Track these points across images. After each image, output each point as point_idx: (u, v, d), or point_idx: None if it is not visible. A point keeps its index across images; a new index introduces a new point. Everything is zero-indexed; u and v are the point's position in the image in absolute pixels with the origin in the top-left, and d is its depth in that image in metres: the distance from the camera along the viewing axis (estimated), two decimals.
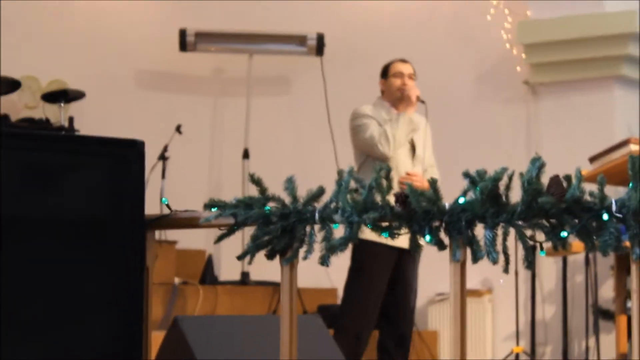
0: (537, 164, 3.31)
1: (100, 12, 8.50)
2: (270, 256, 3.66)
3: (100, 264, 3.70)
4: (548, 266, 7.91)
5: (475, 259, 3.38)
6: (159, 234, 7.10)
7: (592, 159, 5.47)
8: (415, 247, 3.51)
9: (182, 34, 8.34)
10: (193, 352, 4.13)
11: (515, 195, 3.35)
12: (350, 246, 3.56)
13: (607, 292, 7.57)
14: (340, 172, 3.59)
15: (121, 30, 8.55)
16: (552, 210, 3.27)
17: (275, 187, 3.70)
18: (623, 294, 6.27)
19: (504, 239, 3.34)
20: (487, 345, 7.98)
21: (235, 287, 7.79)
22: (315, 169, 7.29)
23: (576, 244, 3.57)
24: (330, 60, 8.34)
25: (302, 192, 3.63)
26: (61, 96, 6.45)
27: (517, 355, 7.40)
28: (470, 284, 6.93)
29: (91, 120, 7.57)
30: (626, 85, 7.95)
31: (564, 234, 3.29)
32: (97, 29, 8.47)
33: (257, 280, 7.85)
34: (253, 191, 3.73)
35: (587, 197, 3.28)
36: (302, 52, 8.43)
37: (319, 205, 3.58)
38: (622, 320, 6.23)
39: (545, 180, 3.33)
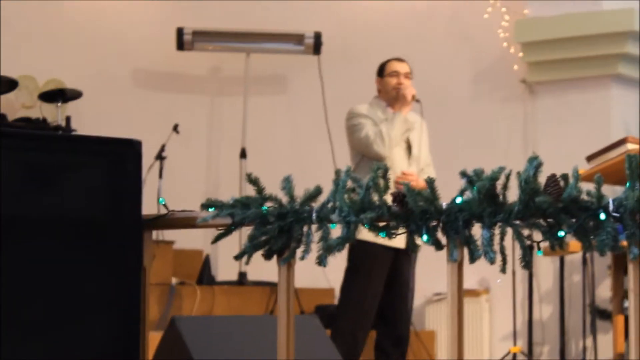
0: (535, 163, 3.31)
1: (96, 11, 8.49)
2: (267, 256, 3.66)
3: (99, 264, 3.70)
4: (545, 266, 7.91)
5: (473, 259, 3.38)
6: (156, 234, 7.08)
7: (590, 158, 5.46)
8: (412, 247, 3.51)
9: (179, 32, 8.33)
10: (190, 353, 4.13)
11: (513, 195, 3.35)
12: (346, 246, 3.56)
13: (604, 291, 7.58)
14: (337, 172, 3.58)
15: (118, 29, 8.55)
16: (549, 209, 3.27)
17: (273, 187, 3.70)
18: (620, 293, 6.27)
19: (501, 239, 3.34)
20: (485, 345, 7.98)
21: (232, 287, 7.78)
22: (312, 168, 7.29)
23: (573, 243, 3.55)
24: (328, 59, 8.34)
25: (299, 192, 3.62)
26: (58, 96, 6.44)
27: (514, 355, 7.40)
28: (468, 283, 6.94)
29: (88, 119, 7.57)
30: (623, 84, 7.95)
31: (561, 233, 3.29)
32: (94, 28, 8.46)
33: (254, 281, 7.85)
34: (250, 191, 3.73)
35: (584, 197, 3.28)
36: (300, 51, 8.42)
37: (316, 205, 3.58)
38: (620, 320, 6.23)
39: (542, 179, 3.33)
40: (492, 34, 8.25)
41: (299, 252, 3.60)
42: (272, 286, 7.46)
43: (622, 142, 5.26)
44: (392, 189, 3.56)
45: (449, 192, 3.44)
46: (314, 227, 3.57)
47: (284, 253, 3.62)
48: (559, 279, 7.51)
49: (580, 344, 7.56)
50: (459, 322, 3.40)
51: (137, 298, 3.77)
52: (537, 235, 3.35)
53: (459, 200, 3.37)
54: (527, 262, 3.35)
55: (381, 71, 5.92)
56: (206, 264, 7.95)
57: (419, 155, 5.80)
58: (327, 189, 3.58)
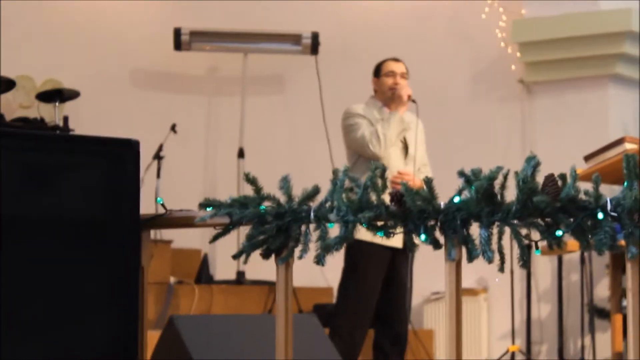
0: (532, 163, 3.31)
1: (94, 11, 8.49)
2: (265, 255, 3.66)
3: (97, 264, 3.70)
4: (543, 265, 7.91)
5: (471, 258, 3.38)
6: (154, 234, 7.08)
7: (587, 158, 5.45)
8: (411, 246, 3.51)
9: (177, 33, 8.33)
10: (189, 352, 4.13)
11: (511, 194, 3.35)
12: (344, 246, 3.56)
13: (602, 290, 7.58)
14: (335, 171, 3.59)
15: (115, 29, 8.54)
16: (547, 209, 3.27)
17: (270, 186, 3.70)
18: (618, 292, 6.26)
19: (499, 238, 3.34)
20: (483, 344, 7.99)
21: (230, 286, 7.78)
22: (310, 168, 7.30)
23: (571, 242, 3.55)
24: (325, 59, 8.34)
25: (297, 191, 3.63)
26: (56, 95, 6.44)
27: (512, 354, 7.41)
28: (466, 282, 6.92)
29: (86, 119, 7.57)
30: (621, 84, 7.96)
31: (559, 232, 3.29)
32: (91, 28, 8.46)
33: (252, 280, 7.85)
34: (248, 190, 3.73)
35: (582, 196, 3.28)
36: (297, 51, 8.43)
37: (314, 204, 3.58)
38: (618, 319, 6.22)
39: (540, 179, 3.33)
40: (490, 34, 8.26)
41: (297, 251, 3.60)
42: (270, 285, 7.46)
43: (620, 141, 5.26)
44: (389, 188, 3.56)
45: (447, 192, 3.45)
46: (311, 226, 3.58)
47: (282, 252, 3.62)
48: (557, 278, 7.51)
49: (579, 343, 7.57)
50: (457, 321, 3.40)
51: (136, 297, 3.77)
52: (535, 235, 3.35)
53: (457, 199, 3.38)
54: (525, 261, 3.35)
55: (377, 71, 5.92)
56: (204, 263, 7.95)
57: (415, 155, 5.80)
58: (325, 188, 3.59)
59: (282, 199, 3.63)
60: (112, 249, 3.72)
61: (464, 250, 3.40)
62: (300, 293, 7.37)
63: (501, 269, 3.36)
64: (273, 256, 3.65)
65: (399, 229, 3.48)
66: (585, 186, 3.32)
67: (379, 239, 3.70)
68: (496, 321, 8.02)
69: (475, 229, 3.38)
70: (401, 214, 3.44)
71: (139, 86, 8.69)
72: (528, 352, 7.51)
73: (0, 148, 3.55)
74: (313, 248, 3.55)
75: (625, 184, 3.23)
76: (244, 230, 3.70)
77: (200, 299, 7.44)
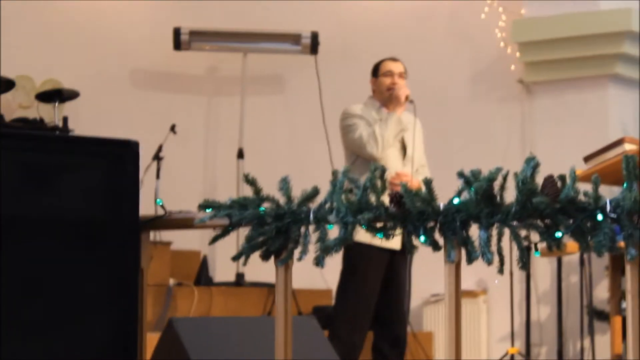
0: (532, 164, 3.31)
1: (93, 11, 8.48)
2: (265, 257, 3.66)
3: (97, 264, 3.70)
4: (543, 267, 7.91)
5: (470, 260, 3.38)
6: (153, 235, 7.08)
7: (587, 159, 5.45)
8: (410, 248, 3.51)
9: (176, 32, 8.33)
10: (188, 354, 4.13)
11: (510, 196, 3.34)
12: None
13: (601, 292, 7.57)
14: (334, 173, 3.58)
15: (115, 29, 8.54)
16: (546, 210, 3.27)
17: (270, 187, 3.70)
18: (618, 294, 6.26)
19: (499, 240, 3.34)
20: (482, 346, 7.98)
21: (230, 288, 7.78)
22: (309, 169, 7.29)
23: (571, 244, 3.55)
24: (325, 58, 8.33)
25: (296, 192, 3.62)
26: (55, 96, 6.43)
27: (512, 356, 7.40)
28: (465, 284, 6.91)
29: (86, 120, 7.55)
30: (621, 84, 7.95)
31: (558, 234, 3.29)
32: (91, 28, 8.46)
33: (252, 282, 7.84)
34: (248, 191, 3.73)
35: (582, 197, 3.28)
36: (297, 51, 8.42)
37: (313, 205, 3.58)
38: (617, 321, 6.21)
39: (539, 179, 3.32)
40: (489, 34, 8.25)
41: (296, 253, 3.60)
42: (269, 287, 7.45)
43: (620, 142, 5.25)
44: (387, 189, 3.55)
45: (447, 193, 3.44)
46: (311, 227, 3.57)
47: (282, 254, 3.62)
48: (556, 279, 7.51)
49: (578, 344, 7.56)
50: (457, 323, 3.39)
51: (136, 298, 3.77)
52: (535, 236, 3.35)
53: (456, 201, 3.37)
54: (525, 263, 3.35)
55: (375, 71, 5.91)
56: (204, 264, 7.94)
57: (413, 155, 5.78)
58: (325, 189, 3.58)
59: (282, 200, 3.63)
60: (111, 249, 3.72)
61: (463, 251, 3.39)
62: (300, 295, 7.37)
63: (500, 271, 3.36)
64: (272, 258, 3.64)
65: (398, 231, 3.48)
66: (584, 187, 3.32)
67: (377, 241, 3.70)
68: (495, 323, 8.01)
69: (474, 231, 3.38)
70: (400, 215, 3.44)
71: (138, 86, 8.69)
72: (527, 354, 7.50)
73: (1, 149, 3.55)
74: (312, 250, 3.55)
75: (625, 185, 3.23)
76: (244, 231, 3.70)
77: (200, 300, 7.43)
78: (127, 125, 6.84)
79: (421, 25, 8.52)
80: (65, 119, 6.59)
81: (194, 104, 8.78)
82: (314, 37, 8.32)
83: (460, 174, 3.40)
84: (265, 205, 3.64)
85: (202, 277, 7.84)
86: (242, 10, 8.66)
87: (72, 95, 6.55)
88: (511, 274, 7.33)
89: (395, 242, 4.11)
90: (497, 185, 3.35)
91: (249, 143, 8.32)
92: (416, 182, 5.40)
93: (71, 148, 3.77)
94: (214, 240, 3.74)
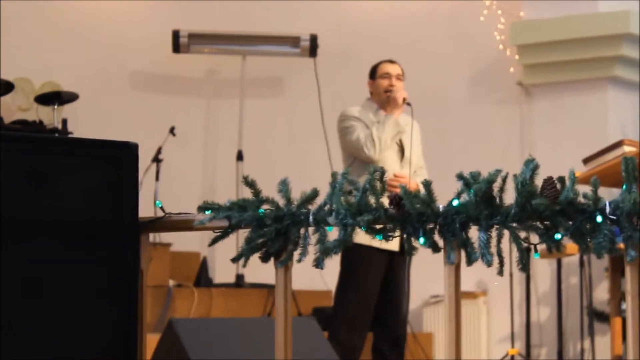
0: (531, 166, 3.31)
1: (93, 13, 8.49)
2: (264, 259, 3.66)
3: (97, 266, 3.70)
4: (542, 268, 7.91)
5: (470, 261, 3.38)
6: (153, 237, 7.09)
7: (586, 160, 5.46)
8: (409, 250, 3.51)
9: (175, 35, 8.33)
10: (188, 355, 4.13)
11: (509, 197, 3.35)
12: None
13: (601, 294, 7.58)
14: (334, 174, 3.58)
15: (115, 31, 8.54)
16: (546, 212, 3.27)
17: (269, 189, 3.70)
18: (618, 295, 6.26)
19: (498, 241, 3.34)
20: (482, 347, 7.98)
21: (229, 289, 7.78)
22: (309, 171, 7.30)
23: (570, 245, 3.56)
24: (324, 61, 8.34)
25: (296, 194, 3.62)
26: (54, 98, 6.44)
27: (512, 357, 7.40)
28: (465, 286, 6.92)
29: (85, 122, 7.56)
30: (620, 86, 7.96)
31: (558, 236, 3.28)
32: (91, 30, 8.46)
33: (251, 283, 7.84)
34: (247, 193, 3.73)
35: (581, 199, 3.28)
36: (296, 53, 8.43)
37: (313, 207, 3.58)
38: (617, 322, 6.22)
39: (539, 181, 3.33)
40: (488, 36, 8.26)
41: (296, 254, 3.59)
42: (269, 288, 7.45)
43: (619, 144, 5.26)
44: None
45: (446, 195, 3.44)
46: (310, 229, 3.57)
47: (281, 255, 3.62)
48: (556, 281, 7.51)
49: (578, 346, 7.56)
50: (457, 325, 3.39)
51: (136, 298, 3.77)
52: (534, 238, 3.35)
53: (455, 202, 3.37)
54: (524, 265, 3.35)
55: (373, 73, 5.91)
56: (203, 266, 7.94)
57: (411, 157, 5.78)
58: (324, 191, 3.58)
59: (281, 202, 3.62)
60: (111, 250, 3.72)
61: (463, 253, 3.39)
62: (300, 296, 7.37)
63: (500, 272, 3.36)
64: (272, 259, 3.64)
65: (398, 232, 3.48)
66: (584, 189, 3.32)
67: (376, 242, 3.70)
68: (495, 324, 8.01)
69: (474, 232, 3.38)
70: (400, 217, 3.44)
71: (137, 88, 8.69)
72: (527, 355, 7.51)
73: (1, 151, 3.56)
74: (312, 251, 3.55)
75: (624, 187, 3.23)
76: (243, 233, 3.70)
77: (200, 302, 7.43)
78: (126, 128, 6.85)
79: (420, 27, 8.52)
80: (64, 121, 6.60)
81: (193, 106, 8.79)
82: (313, 39, 8.33)
83: (460, 176, 3.40)
84: (265, 207, 3.64)
85: (202, 278, 7.84)
86: (241, 12, 8.67)
87: (71, 97, 6.56)
88: (511, 275, 7.34)
89: (393, 244, 4.11)
90: (496, 187, 3.35)
91: (248, 145, 8.32)
92: (414, 183, 5.40)
93: (70, 150, 3.77)
94: (214, 241, 3.74)
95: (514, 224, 3.31)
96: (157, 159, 7.82)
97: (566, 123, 7.99)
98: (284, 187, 3.63)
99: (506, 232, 3.33)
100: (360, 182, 3.54)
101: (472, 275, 7.74)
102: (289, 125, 8.79)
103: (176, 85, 8.78)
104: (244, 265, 3.70)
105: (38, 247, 3.60)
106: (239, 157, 8.24)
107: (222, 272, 8.13)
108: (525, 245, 3.35)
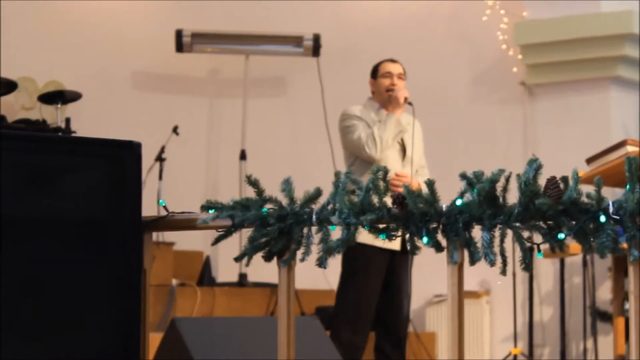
0: (534, 166, 3.31)
1: (95, 13, 8.49)
2: (267, 258, 3.66)
3: (99, 265, 3.70)
4: (545, 268, 7.91)
5: (473, 261, 3.38)
6: (156, 236, 7.09)
7: (589, 160, 5.46)
8: (413, 249, 3.50)
9: (178, 34, 8.34)
10: (191, 354, 4.13)
11: (513, 197, 3.35)
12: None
13: (604, 293, 7.58)
14: (337, 174, 3.58)
15: (118, 31, 8.55)
16: (549, 211, 3.27)
17: (272, 189, 3.70)
18: (621, 295, 6.27)
19: (501, 241, 3.34)
20: (485, 347, 7.98)
21: (232, 288, 7.78)
22: (312, 170, 7.30)
23: (573, 245, 3.56)
24: (327, 60, 8.34)
25: (299, 193, 3.62)
26: (58, 97, 6.46)
27: (515, 357, 7.40)
28: (468, 285, 6.91)
29: (88, 121, 7.57)
30: (622, 86, 7.96)
31: (561, 235, 3.28)
32: (93, 30, 8.47)
33: (254, 282, 7.85)
34: (250, 192, 3.73)
35: (584, 199, 3.27)
36: (299, 53, 8.43)
37: (316, 206, 3.58)
38: (620, 322, 6.23)
39: (542, 181, 3.33)
40: (491, 36, 8.26)
41: (299, 253, 3.60)
42: (272, 287, 7.46)
43: (622, 144, 5.26)
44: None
45: (449, 194, 3.44)
46: (314, 228, 3.57)
47: (284, 255, 3.62)
48: (559, 280, 7.51)
49: (581, 345, 7.56)
50: (460, 324, 3.39)
51: (138, 298, 3.77)
52: (537, 237, 3.34)
53: (459, 202, 3.37)
54: (528, 264, 3.35)
55: (374, 72, 5.91)
56: (206, 265, 7.95)
57: (412, 156, 5.78)
58: (327, 190, 3.58)
59: (284, 201, 3.63)
60: (113, 250, 3.72)
61: (466, 253, 3.39)
62: (303, 295, 7.37)
63: (503, 272, 3.36)
64: (275, 258, 3.64)
65: (401, 232, 3.48)
66: (587, 189, 3.31)
67: (378, 242, 3.70)
68: (498, 324, 8.01)
69: (477, 232, 3.38)
70: (403, 216, 3.44)
71: (140, 88, 8.69)
72: (530, 355, 7.50)
73: (2, 149, 3.56)
74: (315, 250, 3.55)
75: (627, 186, 3.23)
76: (246, 232, 3.70)
77: (203, 301, 7.44)
78: (129, 127, 6.84)
79: (422, 26, 8.52)
80: (67, 120, 6.62)
81: (196, 105, 8.79)
82: (316, 39, 8.33)
83: (463, 176, 3.40)
84: (268, 207, 3.64)
85: (205, 277, 7.85)
86: (244, 12, 8.68)
87: (74, 96, 6.58)
88: (514, 275, 7.33)
89: (395, 243, 4.10)
90: (499, 186, 3.35)
91: (252, 144, 8.33)
92: (416, 183, 5.40)
93: (73, 149, 3.77)
94: (217, 241, 3.74)
95: (517, 224, 3.31)
96: (160, 158, 7.83)
97: (569, 123, 7.99)
98: (287, 186, 3.63)
99: (509, 232, 3.33)
100: (363, 182, 3.54)
101: (475, 274, 7.77)
102: (292, 125, 8.80)
103: (179, 85, 8.78)
104: (247, 265, 3.70)
105: (40, 247, 3.60)
106: (242, 156, 8.25)
107: (225, 271, 8.14)
108: (529, 244, 3.35)
